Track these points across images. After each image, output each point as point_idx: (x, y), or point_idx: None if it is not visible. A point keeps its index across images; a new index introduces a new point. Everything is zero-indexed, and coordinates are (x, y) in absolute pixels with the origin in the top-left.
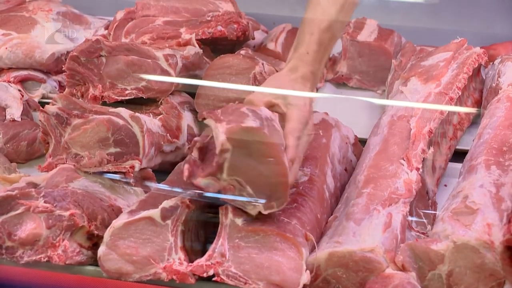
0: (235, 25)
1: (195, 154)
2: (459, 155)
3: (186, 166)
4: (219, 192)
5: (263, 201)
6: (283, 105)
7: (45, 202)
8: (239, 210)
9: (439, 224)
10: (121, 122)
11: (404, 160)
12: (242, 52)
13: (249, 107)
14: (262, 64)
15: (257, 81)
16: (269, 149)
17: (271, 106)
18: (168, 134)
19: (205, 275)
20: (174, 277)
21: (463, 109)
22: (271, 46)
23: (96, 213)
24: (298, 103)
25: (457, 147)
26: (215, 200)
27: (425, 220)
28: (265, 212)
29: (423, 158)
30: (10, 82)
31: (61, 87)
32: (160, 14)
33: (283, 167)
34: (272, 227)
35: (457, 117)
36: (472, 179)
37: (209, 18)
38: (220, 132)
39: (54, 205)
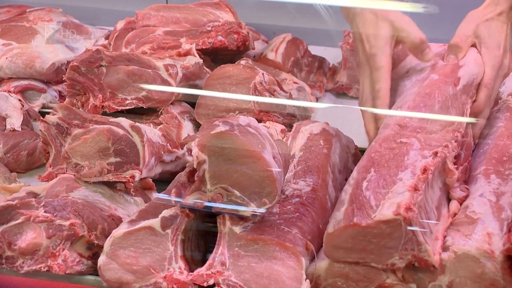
0: (235, 35)
1: (183, 178)
2: None
3: (173, 190)
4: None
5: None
6: (478, 45)
7: (45, 211)
8: (236, 218)
9: None
10: (121, 132)
11: None
12: (242, 62)
13: (223, 119)
14: (262, 74)
15: (257, 91)
16: (244, 148)
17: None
18: (168, 144)
19: (205, 284)
20: (175, 286)
21: (462, 119)
22: (271, 56)
23: (96, 223)
24: (491, 45)
25: None
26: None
27: None
28: (261, 210)
29: None
30: (10, 92)
31: (62, 97)
32: (160, 24)
33: (264, 162)
34: (271, 236)
35: None
36: (472, 188)
37: (209, 28)
38: (193, 146)
39: (54, 214)
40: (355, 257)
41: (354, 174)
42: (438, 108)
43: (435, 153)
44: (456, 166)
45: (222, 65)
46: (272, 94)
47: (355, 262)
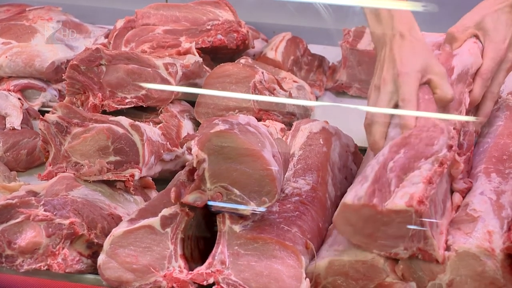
0: (235, 34)
1: (183, 176)
2: None
3: (173, 189)
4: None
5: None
6: (481, 37)
7: (45, 210)
8: (236, 217)
9: None
10: (121, 130)
11: None
12: (242, 60)
13: (223, 117)
14: (262, 72)
15: (257, 90)
16: (244, 146)
17: (473, 37)
18: (168, 143)
19: (205, 283)
20: (175, 285)
21: (462, 118)
22: (271, 54)
23: (96, 222)
24: (496, 38)
25: None
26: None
27: None
28: (261, 209)
29: None
30: (10, 90)
31: (61, 95)
32: (160, 23)
33: (263, 160)
34: (271, 235)
35: None
36: (472, 186)
37: (209, 27)
38: (193, 145)
39: (54, 213)
40: (358, 240)
41: (386, 150)
42: None
43: (450, 146)
44: (460, 157)
45: (222, 64)
46: (271, 93)
47: (357, 245)
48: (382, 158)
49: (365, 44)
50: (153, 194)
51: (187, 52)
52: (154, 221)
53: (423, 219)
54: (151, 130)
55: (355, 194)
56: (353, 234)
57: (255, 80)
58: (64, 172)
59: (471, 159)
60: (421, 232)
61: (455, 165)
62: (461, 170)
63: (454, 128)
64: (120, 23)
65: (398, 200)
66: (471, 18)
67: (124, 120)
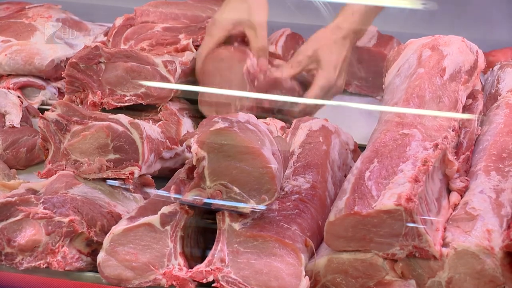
0: None
1: (183, 174)
2: None
3: (173, 186)
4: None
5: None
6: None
7: (44, 208)
8: (236, 214)
9: None
10: (120, 128)
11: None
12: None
13: (222, 115)
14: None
15: (250, 75)
16: (244, 144)
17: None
18: (167, 141)
19: (204, 281)
20: (174, 283)
21: (461, 115)
22: (271, 48)
23: (95, 220)
24: (326, 67)
25: None
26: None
27: None
28: (260, 207)
29: None
30: (9, 88)
31: (61, 93)
32: (159, 21)
33: (263, 158)
34: (270, 233)
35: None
36: (472, 185)
37: (207, 24)
38: (192, 143)
39: (54, 211)
40: (355, 246)
41: (358, 164)
42: (430, 98)
43: (436, 145)
44: (457, 156)
45: (215, 48)
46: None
47: (355, 250)
48: (356, 170)
49: (364, 41)
50: (153, 192)
51: (185, 49)
52: (154, 219)
53: (415, 216)
54: (151, 128)
55: (336, 209)
56: (347, 244)
57: (247, 65)
58: (63, 170)
59: (471, 158)
60: (415, 229)
61: (449, 164)
62: (456, 170)
63: (453, 130)
64: (119, 21)
65: (386, 201)
66: (304, 53)
67: (123, 118)
